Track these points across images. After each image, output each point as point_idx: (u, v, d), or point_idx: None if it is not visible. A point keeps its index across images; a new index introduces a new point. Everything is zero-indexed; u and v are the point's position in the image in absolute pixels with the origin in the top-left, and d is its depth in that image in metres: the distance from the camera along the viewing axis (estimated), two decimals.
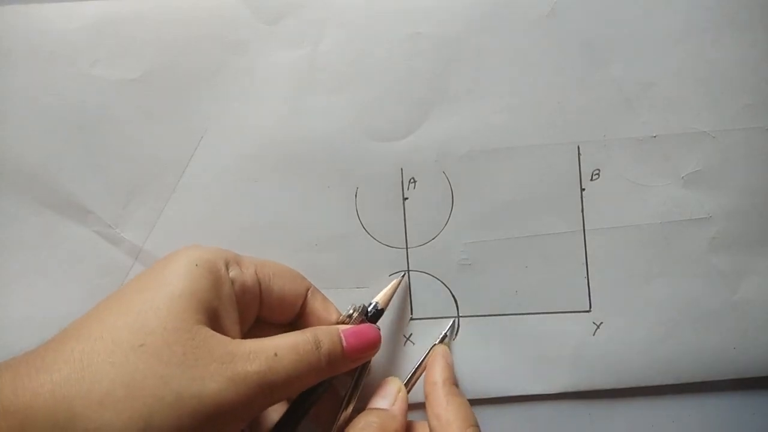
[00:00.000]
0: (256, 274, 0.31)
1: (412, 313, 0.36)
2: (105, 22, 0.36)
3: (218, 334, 0.26)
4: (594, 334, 0.36)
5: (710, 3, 0.35)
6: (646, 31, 0.36)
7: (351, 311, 0.33)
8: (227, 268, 0.29)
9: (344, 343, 0.30)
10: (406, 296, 0.36)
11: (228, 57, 0.36)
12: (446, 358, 0.34)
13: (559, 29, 0.36)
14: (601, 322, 0.36)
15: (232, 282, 0.29)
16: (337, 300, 0.35)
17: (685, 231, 0.36)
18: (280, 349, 0.27)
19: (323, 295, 0.34)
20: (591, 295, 0.36)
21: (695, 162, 0.36)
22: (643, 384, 0.36)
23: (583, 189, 0.36)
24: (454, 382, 0.33)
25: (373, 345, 0.31)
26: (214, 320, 0.27)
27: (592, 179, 0.36)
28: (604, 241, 0.36)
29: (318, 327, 0.31)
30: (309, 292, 0.33)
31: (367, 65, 0.36)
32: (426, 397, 0.32)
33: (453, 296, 0.36)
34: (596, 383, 0.36)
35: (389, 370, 0.36)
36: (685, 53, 0.36)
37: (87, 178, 0.36)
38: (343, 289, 0.36)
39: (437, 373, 0.33)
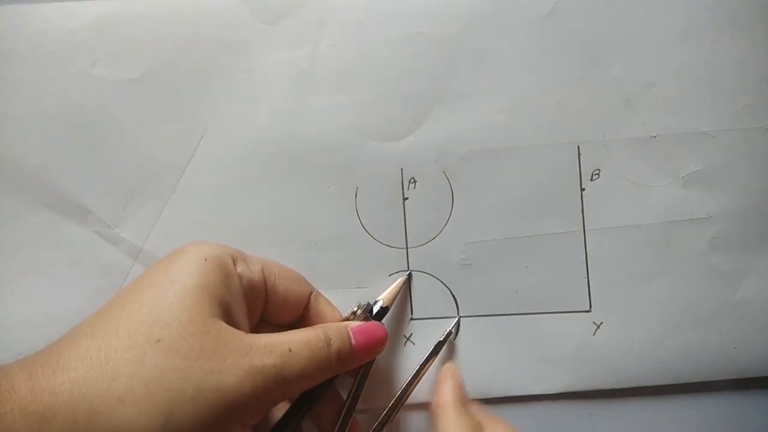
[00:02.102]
0: (262, 271, 0.31)
1: (412, 314, 0.36)
2: (105, 22, 0.36)
3: (232, 328, 0.26)
4: (594, 334, 0.36)
5: (710, 3, 0.35)
6: (646, 31, 0.36)
7: (355, 309, 0.33)
8: (234, 264, 0.29)
9: (353, 341, 0.30)
10: (406, 296, 0.36)
11: (228, 57, 0.36)
12: (455, 378, 0.34)
13: (559, 29, 0.36)
14: (602, 322, 0.36)
15: (240, 277, 0.29)
16: (338, 300, 0.35)
17: (685, 231, 0.36)
18: (294, 345, 0.27)
19: (326, 298, 0.34)
20: (591, 295, 0.36)
21: (695, 162, 0.36)
22: (643, 384, 0.36)
23: (583, 189, 0.36)
24: (464, 402, 0.33)
25: (380, 342, 0.32)
26: (226, 314, 0.27)
27: (592, 179, 0.36)
28: (604, 241, 0.36)
29: (327, 324, 0.31)
30: (312, 295, 0.33)
31: (367, 65, 0.36)
32: (435, 418, 0.32)
33: (453, 296, 0.36)
34: (596, 383, 0.36)
35: (389, 371, 0.36)
36: (685, 53, 0.36)
37: (87, 178, 0.36)
38: (343, 290, 0.36)
39: (447, 393, 0.33)
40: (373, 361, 0.33)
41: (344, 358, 0.29)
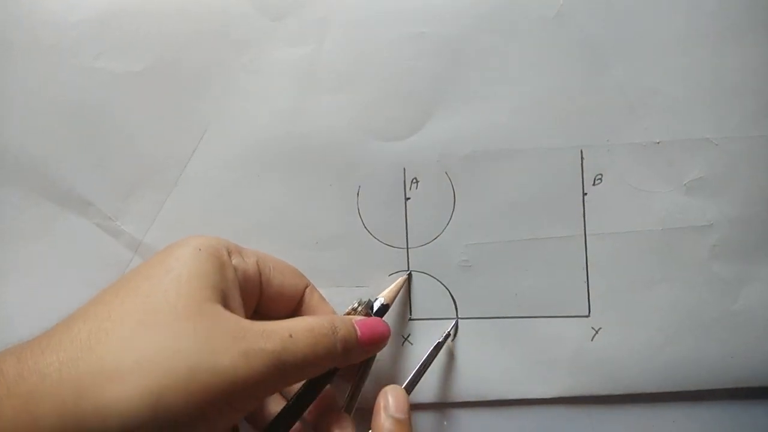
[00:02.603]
0: (257, 264, 0.31)
1: (411, 314, 0.36)
2: (109, 15, 0.36)
3: (229, 312, 0.26)
4: (592, 340, 0.36)
5: (715, 10, 0.35)
6: (651, 36, 0.36)
7: (356, 305, 0.33)
8: (229, 256, 0.29)
9: (358, 332, 0.30)
10: (405, 296, 0.36)
11: (231, 53, 0.36)
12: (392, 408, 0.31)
13: (564, 32, 0.36)
14: (600, 328, 0.36)
15: (235, 269, 0.29)
16: (337, 299, 0.35)
17: (686, 238, 0.36)
18: (295, 331, 0.26)
19: (320, 293, 0.34)
20: (590, 300, 0.36)
21: (698, 169, 0.36)
22: (640, 390, 0.36)
23: (586, 193, 0.36)
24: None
25: (384, 337, 0.31)
26: (223, 301, 0.27)
27: (594, 184, 0.36)
28: (605, 247, 0.36)
29: (333, 315, 0.30)
30: (307, 289, 0.33)
31: (371, 64, 0.36)
32: None
33: (452, 297, 0.36)
34: (594, 388, 0.36)
35: (387, 371, 0.36)
36: (689, 59, 0.36)
37: (88, 170, 0.36)
38: (343, 288, 0.36)
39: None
40: (372, 360, 0.33)
41: (350, 347, 0.29)
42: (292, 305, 0.33)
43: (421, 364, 0.34)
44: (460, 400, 0.36)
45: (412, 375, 0.34)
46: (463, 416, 0.36)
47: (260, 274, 0.31)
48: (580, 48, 0.36)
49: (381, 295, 0.34)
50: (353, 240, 0.36)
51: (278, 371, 0.25)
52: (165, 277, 0.26)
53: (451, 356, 0.36)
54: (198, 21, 0.36)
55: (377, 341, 0.31)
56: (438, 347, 0.35)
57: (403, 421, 0.30)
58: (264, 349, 0.25)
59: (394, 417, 0.30)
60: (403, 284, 0.35)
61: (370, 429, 0.31)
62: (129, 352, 0.23)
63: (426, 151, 0.36)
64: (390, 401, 0.31)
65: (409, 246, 0.36)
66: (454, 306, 0.36)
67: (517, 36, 0.36)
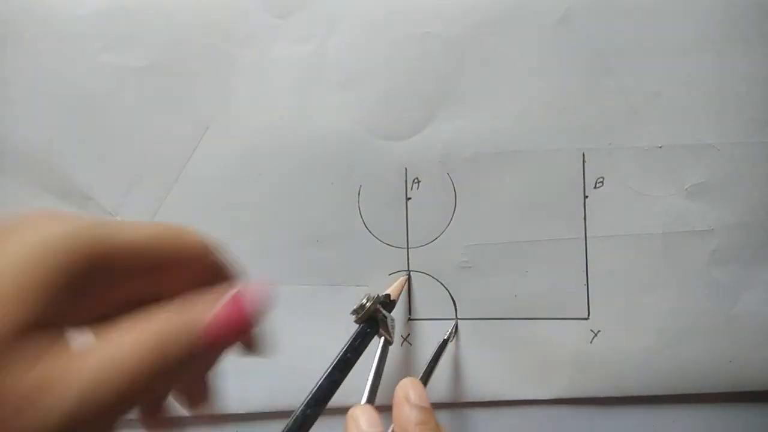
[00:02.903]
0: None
1: (410, 314, 0.36)
2: (115, 9, 0.36)
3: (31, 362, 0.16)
4: (591, 342, 0.36)
5: (720, 16, 0.36)
6: (655, 41, 0.36)
7: (365, 301, 0.32)
8: (92, 255, 0.18)
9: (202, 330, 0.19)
10: (405, 297, 0.36)
11: (236, 50, 0.36)
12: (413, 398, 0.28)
13: (569, 36, 0.36)
14: (599, 330, 0.36)
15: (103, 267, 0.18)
16: (336, 297, 0.35)
17: (686, 242, 0.36)
18: (96, 368, 0.17)
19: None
20: (590, 302, 0.36)
21: (699, 174, 0.36)
22: (639, 393, 0.36)
23: (587, 196, 0.36)
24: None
25: (244, 323, 0.20)
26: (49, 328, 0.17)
27: (596, 187, 0.36)
28: (605, 250, 0.36)
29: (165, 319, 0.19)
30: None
31: (375, 64, 0.36)
32: None
33: (452, 298, 0.36)
34: (593, 390, 0.36)
35: (386, 371, 0.36)
36: (693, 65, 0.36)
37: (89, 163, 0.36)
38: (342, 287, 0.36)
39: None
40: (386, 355, 0.31)
41: (184, 357, 0.18)
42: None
43: (431, 361, 0.34)
44: (459, 400, 0.36)
45: (423, 372, 0.33)
46: (462, 416, 0.36)
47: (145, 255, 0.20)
48: (584, 51, 0.36)
49: (386, 291, 0.34)
50: (354, 239, 0.36)
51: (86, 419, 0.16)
52: None
53: (450, 357, 0.36)
54: (203, 17, 0.36)
55: (233, 330, 0.19)
56: (443, 345, 0.35)
57: (428, 410, 0.29)
58: (54, 412, 0.16)
59: (420, 406, 0.29)
60: (405, 283, 0.35)
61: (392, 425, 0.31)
62: None
63: (428, 152, 0.36)
64: (411, 392, 0.30)
65: (409, 246, 0.36)
66: (453, 307, 0.36)
67: (522, 38, 0.36)
